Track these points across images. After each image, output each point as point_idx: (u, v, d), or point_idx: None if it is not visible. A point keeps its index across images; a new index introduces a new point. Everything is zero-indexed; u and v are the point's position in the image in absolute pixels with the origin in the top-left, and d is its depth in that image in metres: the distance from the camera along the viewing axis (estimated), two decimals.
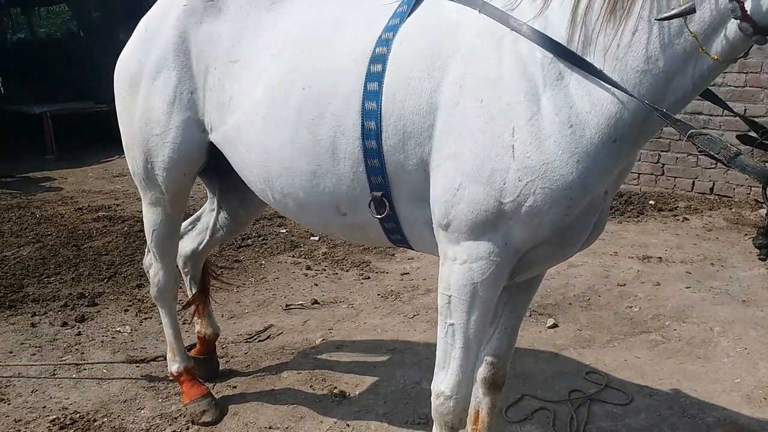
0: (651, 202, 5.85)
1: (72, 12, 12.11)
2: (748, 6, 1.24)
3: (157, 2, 2.26)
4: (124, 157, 2.42)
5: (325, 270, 4.43)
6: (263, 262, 4.61)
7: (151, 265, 2.55)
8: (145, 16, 2.26)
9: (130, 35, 2.26)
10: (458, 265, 1.59)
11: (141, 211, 2.52)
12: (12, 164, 7.85)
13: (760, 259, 1.46)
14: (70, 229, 5.34)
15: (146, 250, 2.61)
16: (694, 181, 5.98)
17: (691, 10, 1.30)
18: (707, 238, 4.91)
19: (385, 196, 1.69)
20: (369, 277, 4.26)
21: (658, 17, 1.33)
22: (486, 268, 1.56)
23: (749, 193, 5.66)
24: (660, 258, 4.46)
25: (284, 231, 5.25)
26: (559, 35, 1.44)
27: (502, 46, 1.49)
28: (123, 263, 4.50)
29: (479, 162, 1.49)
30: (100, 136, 8.99)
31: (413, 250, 1.90)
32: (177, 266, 2.65)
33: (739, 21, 1.26)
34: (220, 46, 2.01)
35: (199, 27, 2.06)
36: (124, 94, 2.24)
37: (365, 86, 1.64)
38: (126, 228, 5.31)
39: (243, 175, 2.06)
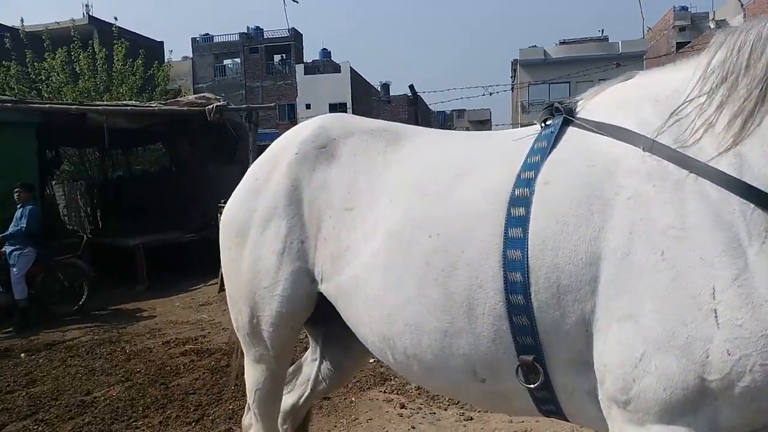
0: None
1: (165, 149, 13.07)
2: None
3: (266, 151, 2.21)
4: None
5: (421, 409, 4.07)
6: (353, 399, 4.31)
7: (251, 426, 2.32)
8: (253, 165, 2.21)
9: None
10: None
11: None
12: (106, 297, 8.12)
13: None
14: (159, 365, 5.28)
15: (246, 408, 2.41)
16: None
17: None
18: None
19: (537, 361, 1.42)
20: (471, 418, 3.85)
21: None
22: None
23: None
24: None
25: (372, 361, 4.96)
26: (764, 177, 1.23)
27: (681, 189, 1.29)
28: (210, 403, 4.32)
29: (669, 327, 1.23)
30: (186, 265, 9.32)
31: (568, 422, 1.59)
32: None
33: None
34: (334, 193, 1.90)
35: (311, 174, 1.96)
36: (231, 244, 2.13)
37: (506, 232, 1.44)
38: (213, 363, 5.18)
39: (358, 332, 1.85)
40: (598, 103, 1.58)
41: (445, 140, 1.92)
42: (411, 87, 8.48)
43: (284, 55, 42.09)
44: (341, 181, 1.90)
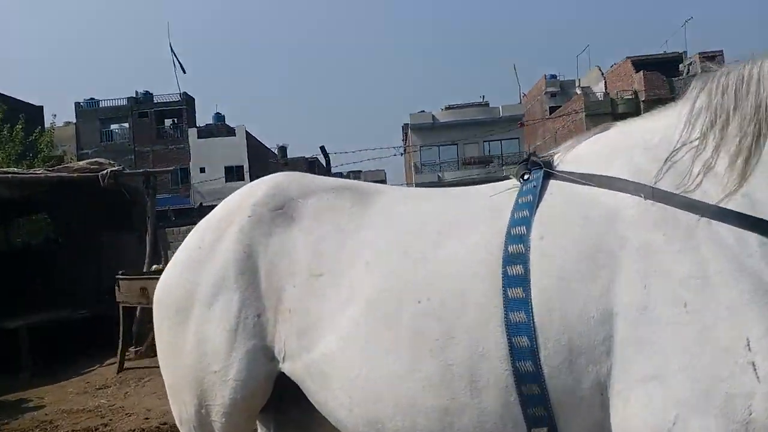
0: None
1: (51, 219, 12.06)
2: None
3: (209, 216, 1.99)
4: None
5: None
6: None
7: None
8: (193, 233, 1.98)
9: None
10: None
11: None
12: None
13: None
14: None
15: None
16: None
17: None
18: None
19: None
20: None
21: None
22: None
23: None
24: None
25: None
26: None
27: (694, 235, 1.26)
28: None
29: (703, 386, 1.17)
30: (78, 345, 8.45)
31: None
32: None
33: None
34: (298, 259, 1.72)
35: (268, 239, 1.77)
36: (169, 324, 1.87)
37: (505, 293, 1.37)
38: None
39: (334, 416, 1.65)
40: (578, 155, 1.57)
41: (416, 198, 1.83)
42: (322, 148, 8.49)
43: (176, 119, 41.07)
44: (305, 245, 1.73)
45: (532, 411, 1.34)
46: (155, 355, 8.08)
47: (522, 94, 48.68)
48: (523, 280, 1.36)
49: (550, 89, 47.65)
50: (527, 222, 1.44)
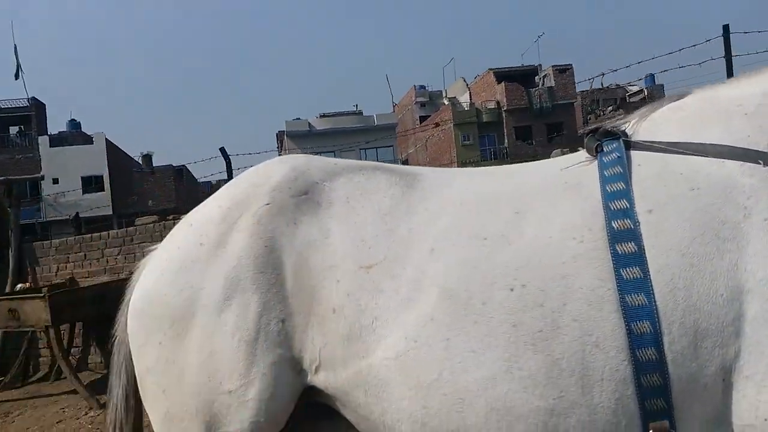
0: None
1: None
2: None
3: (206, 205, 1.66)
4: None
5: None
6: None
7: None
8: (185, 227, 1.63)
9: None
10: None
11: None
12: None
13: None
14: None
15: None
16: None
17: None
18: None
19: (673, 427, 1.19)
20: None
21: None
22: None
23: None
24: None
25: None
26: None
27: None
28: None
29: None
30: None
31: None
32: None
33: None
34: (336, 250, 1.47)
35: (294, 230, 1.51)
36: (161, 338, 1.51)
37: (618, 275, 1.22)
38: None
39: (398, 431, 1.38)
40: (655, 124, 1.45)
41: (469, 176, 1.62)
42: (222, 149, 7.92)
43: (23, 126, 36.98)
44: (342, 234, 1.48)
45: (651, 404, 1.20)
46: (23, 385, 7.10)
47: (393, 104, 50.05)
48: (639, 259, 1.22)
49: (419, 99, 49.55)
50: (626, 195, 1.30)
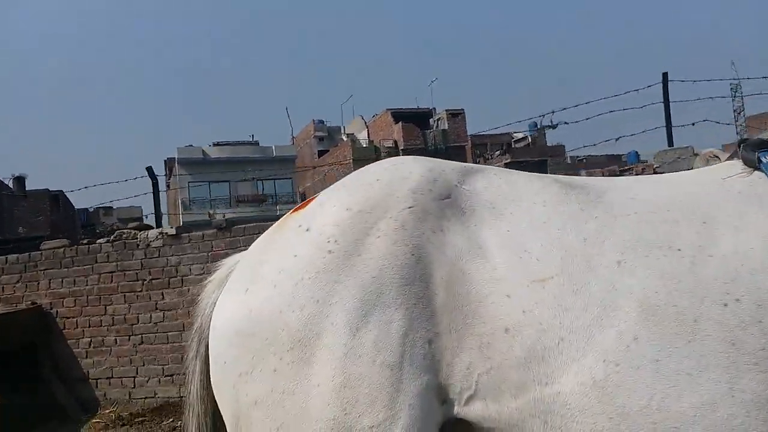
0: None
1: None
2: None
3: (321, 203, 1.46)
4: None
5: None
6: None
7: None
8: (298, 229, 1.41)
9: None
10: None
11: None
12: None
13: None
14: None
15: None
16: None
17: None
18: None
19: None
20: None
21: None
22: None
23: None
24: None
25: None
26: None
27: None
28: None
29: None
30: None
31: None
32: None
33: None
34: (496, 263, 1.32)
35: (442, 238, 1.34)
36: (278, 364, 1.29)
37: None
38: None
39: None
40: None
41: (622, 185, 1.51)
42: (149, 169, 7.32)
43: None
44: (498, 243, 1.34)
45: None
46: None
47: (292, 137, 49.72)
48: None
49: (318, 134, 49.56)
50: None
